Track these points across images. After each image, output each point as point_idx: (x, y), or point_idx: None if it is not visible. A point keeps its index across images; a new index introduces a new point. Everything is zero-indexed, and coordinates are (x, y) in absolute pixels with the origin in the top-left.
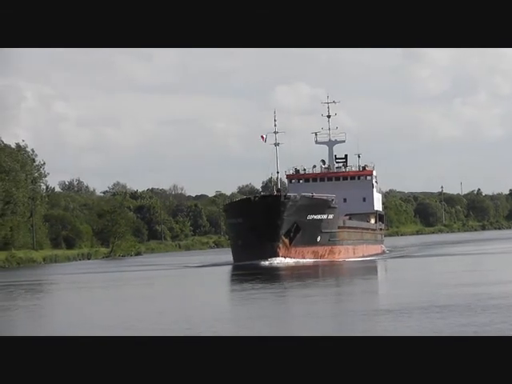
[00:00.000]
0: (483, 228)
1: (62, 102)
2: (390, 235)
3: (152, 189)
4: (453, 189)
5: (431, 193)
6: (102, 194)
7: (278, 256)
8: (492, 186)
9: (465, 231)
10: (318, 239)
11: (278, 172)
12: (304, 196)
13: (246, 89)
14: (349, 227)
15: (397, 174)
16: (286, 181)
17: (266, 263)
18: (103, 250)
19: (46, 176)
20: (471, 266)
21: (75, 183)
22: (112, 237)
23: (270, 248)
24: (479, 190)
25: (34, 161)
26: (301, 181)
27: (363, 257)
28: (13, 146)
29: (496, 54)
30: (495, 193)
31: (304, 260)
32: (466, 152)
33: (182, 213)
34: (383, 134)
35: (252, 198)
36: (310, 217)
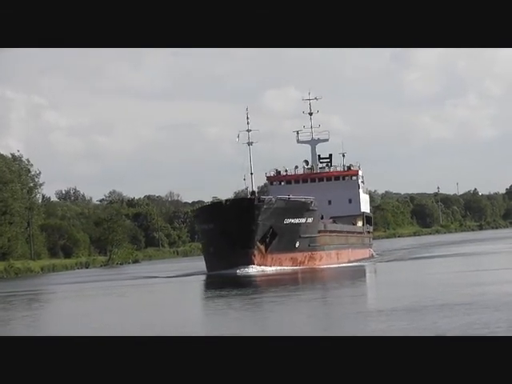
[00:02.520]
0: (480, 228)
1: (53, 110)
2: (387, 237)
3: (148, 196)
4: (449, 189)
5: (427, 194)
6: (98, 203)
7: (253, 264)
8: (488, 185)
9: (462, 231)
10: (297, 245)
11: (251, 173)
12: (280, 199)
13: (240, 93)
14: (331, 231)
15: (393, 175)
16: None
17: (239, 272)
18: (101, 258)
19: (41, 185)
20: (471, 266)
21: (72, 192)
22: (109, 245)
23: (244, 255)
24: (475, 189)
25: (29, 171)
26: (282, 182)
27: (348, 262)
28: (7, 155)
29: (485, 55)
30: (492, 192)
31: (282, 267)
32: (460, 153)
33: (178, 219)
34: (377, 137)
35: (224, 202)
36: (288, 221)
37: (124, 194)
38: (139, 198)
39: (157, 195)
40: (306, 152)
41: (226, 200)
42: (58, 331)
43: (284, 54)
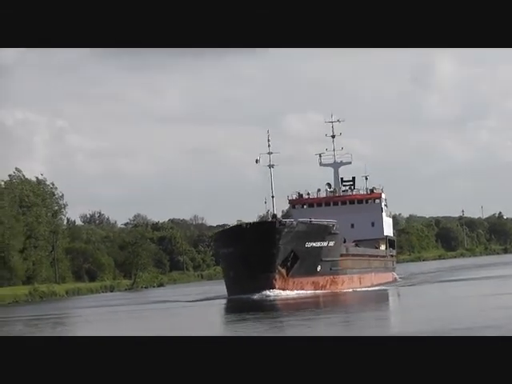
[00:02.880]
0: (505, 251)
1: (75, 133)
2: (412, 260)
3: (173, 219)
4: (474, 213)
5: (452, 217)
6: (123, 226)
7: (275, 288)
8: None
9: (487, 255)
10: (318, 269)
11: (272, 196)
12: (301, 222)
13: (259, 117)
14: (353, 255)
15: (417, 198)
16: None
17: (260, 296)
18: (125, 281)
19: (65, 208)
20: (497, 289)
21: (96, 216)
22: (134, 268)
23: (266, 279)
24: (500, 213)
25: (53, 194)
26: (305, 206)
27: (371, 286)
28: (32, 179)
29: (503, 75)
30: None
31: (303, 292)
32: (483, 176)
33: (203, 243)
34: (399, 159)
35: (244, 225)
36: (309, 244)
37: (148, 218)
38: (164, 222)
39: (181, 219)
40: (329, 175)
41: (247, 223)
42: None
43: (302, 77)
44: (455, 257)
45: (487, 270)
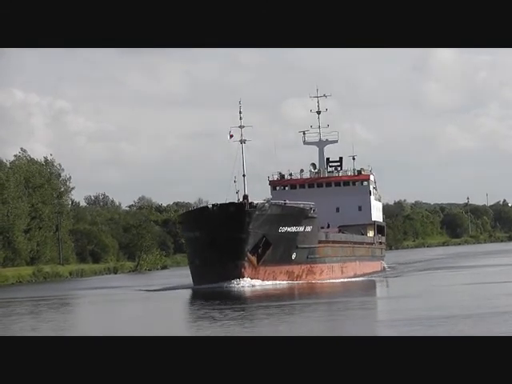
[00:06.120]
0: (510, 239)
1: (75, 116)
2: (416, 247)
3: (177, 202)
4: (479, 200)
5: (457, 204)
6: (127, 209)
7: (244, 277)
8: None
9: (491, 242)
10: (293, 256)
11: (244, 175)
12: (275, 204)
13: (259, 102)
14: (334, 241)
15: (422, 185)
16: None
17: (227, 286)
18: (129, 263)
19: (71, 190)
20: (493, 278)
21: (100, 198)
22: (138, 251)
23: (233, 268)
24: (505, 200)
25: (59, 175)
26: (286, 187)
27: (355, 276)
28: (39, 160)
29: (503, 64)
30: None
31: (276, 282)
32: (488, 163)
33: None
34: (402, 146)
35: (210, 207)
36: (283, 229)
37: (153, 201)
38: (168, 205)
39: (186, 202)
40: (313, 154)
41: (213, 205)
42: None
43: (303, 63)
44: (459, 244)
45: (487, 259)
